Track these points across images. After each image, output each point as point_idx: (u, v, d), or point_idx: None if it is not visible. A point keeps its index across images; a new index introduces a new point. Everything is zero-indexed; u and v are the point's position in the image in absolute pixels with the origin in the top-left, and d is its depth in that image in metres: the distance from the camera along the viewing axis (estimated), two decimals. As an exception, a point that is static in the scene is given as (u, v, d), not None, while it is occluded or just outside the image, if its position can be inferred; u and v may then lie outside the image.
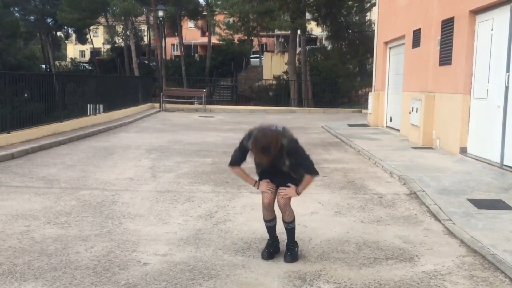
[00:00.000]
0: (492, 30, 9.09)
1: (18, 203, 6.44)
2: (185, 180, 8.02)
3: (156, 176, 8.33)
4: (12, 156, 9.70)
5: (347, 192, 7.33)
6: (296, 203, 6.50)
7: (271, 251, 4.66)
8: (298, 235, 4.77)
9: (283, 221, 4.66)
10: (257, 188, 4.60)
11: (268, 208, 4.63)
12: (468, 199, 6.59)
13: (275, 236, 4.75)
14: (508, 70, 8.46)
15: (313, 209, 6.36)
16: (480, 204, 6.37)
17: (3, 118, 11.06)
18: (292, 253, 4.61)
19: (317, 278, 4.20)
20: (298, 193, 4.53)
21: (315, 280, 4.14)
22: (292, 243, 4.67)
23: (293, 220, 4.66)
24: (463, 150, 9.95)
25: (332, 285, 4.06)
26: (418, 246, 5.03)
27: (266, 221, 4.70)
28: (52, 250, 4.74)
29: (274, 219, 4.68)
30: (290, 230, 4.67)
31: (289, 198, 4.57)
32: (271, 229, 4.72)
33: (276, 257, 4.65)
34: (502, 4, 8.73)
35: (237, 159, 4.51)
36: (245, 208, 6.33)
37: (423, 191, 7.06)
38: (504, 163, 8.53)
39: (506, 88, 8.50)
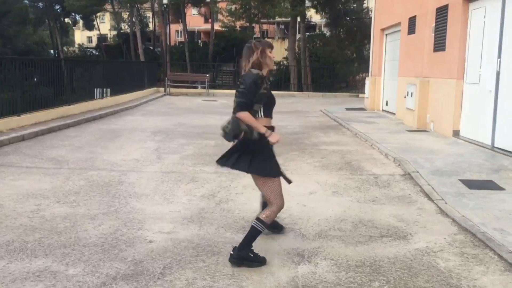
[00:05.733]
0: (484, 17, 9.22)
1: (28, 183, 6.57)
2: (189, 161, 8.16)
3: (161, 158, 8.47)
4: (23, 138, 9.85)
5: (344, 173, 7.47)
6: (295, 183, 6.65)
7: None
8: (297, 214, 4.87)
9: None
10: (269, 137, 4.02)
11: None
12: (460, 180, 6.73)
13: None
14: (499, 56, 8.62)
15: (311, 189, 6.51)
16: (472, 184, 6.52)
17: (14, 101, 11.22)
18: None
19: (315, 255, 4.29)
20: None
21: (313, 257, 4.24)
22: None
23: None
24: (456, 133, 10.14)
25: (329, 261, 4.15)
26: (411, 224, 5.14)
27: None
28: (61, 228, 4.84)
29: None
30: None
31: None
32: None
33: (276, 234, 4.74)
34: (495, -9, 8.87)
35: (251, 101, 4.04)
36: (246, 188, 6.43)
37: (417, 172, 7.20)
38: (495, 145, 8.71)
39: (498, 73, 8.66)
